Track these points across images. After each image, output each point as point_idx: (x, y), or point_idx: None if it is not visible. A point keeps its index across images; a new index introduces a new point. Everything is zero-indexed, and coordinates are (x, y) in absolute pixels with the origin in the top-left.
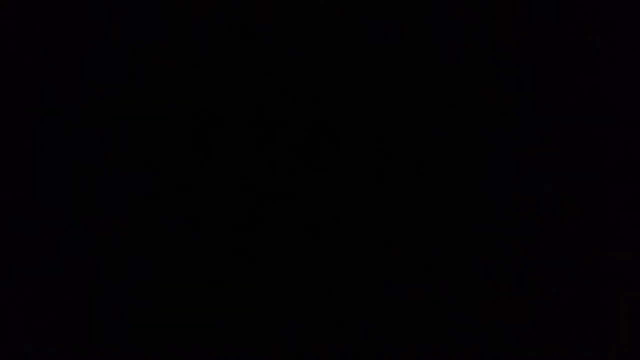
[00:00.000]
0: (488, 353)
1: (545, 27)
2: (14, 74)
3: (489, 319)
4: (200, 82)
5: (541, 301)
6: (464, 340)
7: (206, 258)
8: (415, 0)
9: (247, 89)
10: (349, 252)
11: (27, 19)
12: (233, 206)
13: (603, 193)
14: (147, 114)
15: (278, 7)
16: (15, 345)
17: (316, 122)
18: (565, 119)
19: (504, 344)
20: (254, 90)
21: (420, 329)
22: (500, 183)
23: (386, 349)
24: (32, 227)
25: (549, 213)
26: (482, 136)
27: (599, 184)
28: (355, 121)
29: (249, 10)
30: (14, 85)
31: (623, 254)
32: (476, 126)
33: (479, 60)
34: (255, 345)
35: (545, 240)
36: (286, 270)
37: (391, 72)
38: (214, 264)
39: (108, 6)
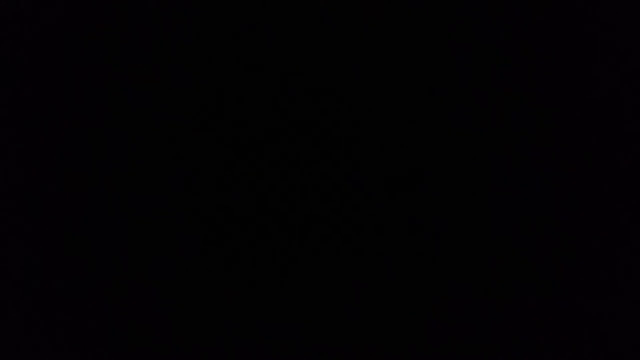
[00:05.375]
0: (488, 353)
1: (545, 27)
2: (14, 74)
3: (489, 319)
4: (201, 82)
5: (541, 301)
6: (464, 340)
7: (206, 258)
8: (415, 0)
9: (247, 89)
10: (349, 251)
11: (27, 19)
12: (233, 206)
13: (604, 193)
14: (148, 114)
15: (278, 7)
16: (15, 345)
17: (316, 122)
18: (565, 119)
19: (504, 344)
20: (254, 90)
21: (421, 328)
22: (500, 183)
23: (386, 349)
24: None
25: (549, 213)
26: (482, 136)
27: (599, 184)
28: (356, 121)
29: (249, 10)
30: (14, 85)
31: (623, 254)
32: (477, 126)
33: (480, 60)
34: (256, 345)
35: (546, 240)
36: (286, 270)
37: (391, 72)
38: (214, 263)
39: (108, 6)
